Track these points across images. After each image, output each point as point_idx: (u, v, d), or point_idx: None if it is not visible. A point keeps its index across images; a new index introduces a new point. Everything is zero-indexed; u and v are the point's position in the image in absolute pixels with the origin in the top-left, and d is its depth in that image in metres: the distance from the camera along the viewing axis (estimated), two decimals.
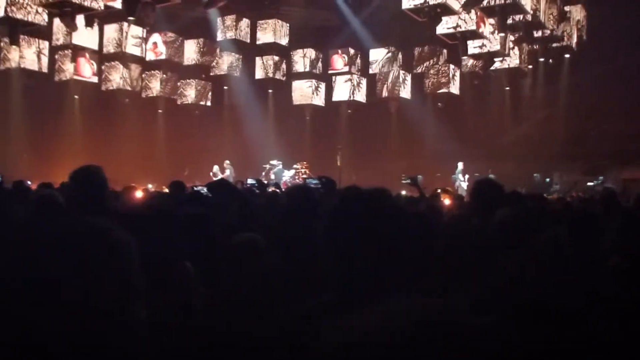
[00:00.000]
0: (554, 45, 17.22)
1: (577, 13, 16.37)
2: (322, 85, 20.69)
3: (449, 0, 12.66)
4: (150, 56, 18.07)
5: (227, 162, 19.78)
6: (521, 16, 14.46)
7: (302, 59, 20.16)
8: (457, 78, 19.06)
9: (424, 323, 1.30)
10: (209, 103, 21.28)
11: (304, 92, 20.42)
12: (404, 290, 1.77)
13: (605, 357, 2.09)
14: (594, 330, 2.20)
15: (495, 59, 16.54)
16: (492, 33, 14.88)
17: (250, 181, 9.35)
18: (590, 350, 2.13)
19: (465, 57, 17.79)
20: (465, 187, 17.71)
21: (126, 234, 1.44)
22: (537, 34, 16.02)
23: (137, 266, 1.42)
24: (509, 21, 14.48)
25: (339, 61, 20.00)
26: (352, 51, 19.93)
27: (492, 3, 13.21)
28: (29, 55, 16.48)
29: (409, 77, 19.70)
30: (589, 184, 20.48)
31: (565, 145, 20.59)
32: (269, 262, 3.14)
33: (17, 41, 14.17)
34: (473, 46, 15.39)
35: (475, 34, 14.18)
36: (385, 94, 19.91)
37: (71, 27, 13.76)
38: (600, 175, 21.21)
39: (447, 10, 13.05)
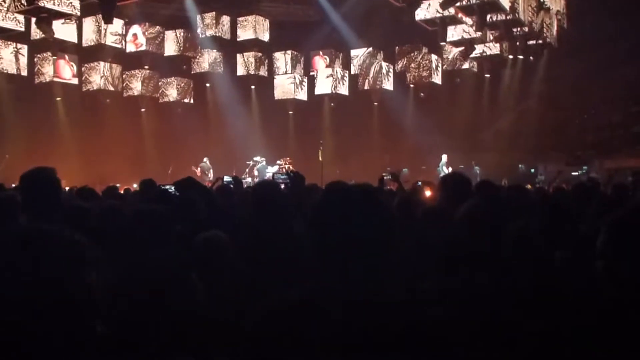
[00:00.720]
0: (534, 42, 17.22)
1: (556, 4, 16.36)
2: (305, 79, 20.60)
3: None
4: (130, 48, 17.91)
5: (206, 159, 19.78)
6: (500, 14, 14.39)
7: (284, 59, 20.11)
8: (440, 68, 19.05)
9: None
10: (191, 101, 21.15)
11: (285, 88, 20.37)
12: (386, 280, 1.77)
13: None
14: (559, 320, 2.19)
15: (476, 46, 16.49)
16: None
17: (227, 178, 9.30)
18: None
19: (446, 48, 17.77)
20: None
21: (81, 237, 1.39)
22: (517, 31, 15.98)
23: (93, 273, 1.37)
24: (488, 19, 14.43)
25: (320, 62, 19.92)
26: (333, 52, 19.84)
27: (471, 2, 13.13)
28: (6, 57, 16.31)
29: (391, 69, 19.66)
30: (574, 174, 20.61)
31: (549, 136, 20.69)
32: (233, 259, 3.13)
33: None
34: (452, 33, 15.30)
35: (455, 20, 14.05)
36: (367, 86, 19.85)
37: (48, 32, 13.65)
38: (584, 165, 21.37)
39: None
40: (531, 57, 18.68)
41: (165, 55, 18.69)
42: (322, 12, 19.43)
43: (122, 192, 9.33)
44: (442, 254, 2.62)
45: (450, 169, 18.47)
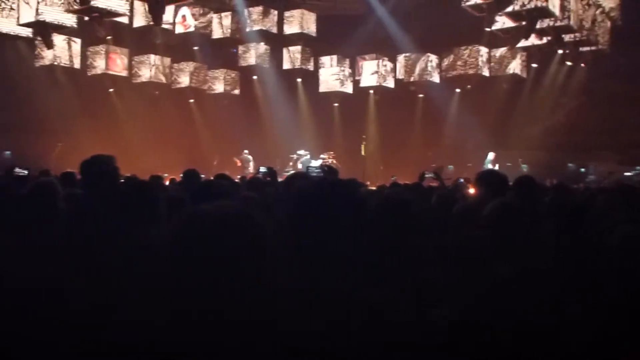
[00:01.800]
0: (585, 49, 16.77)
1: (609, 1, 15.78)
2: (349, 73, 20.48)
3: None
4: (179, 29, 18.17)
5: (246, 151, 20.03)
6: (550, 20, 13.96)
7: (329, 60, 20.11)
8: (486, 62, 18.60)
9: None
10: (237, 92, 21.38)
11: (330, 84, 20.31)
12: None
13: None
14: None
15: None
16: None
17: (262, 169, 9.37)
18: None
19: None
20: None
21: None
22: (568, 37, 15.55)
23: None
24: (538, 26, 14.01)
25: (366, 63, 19.69)
26: (377, 56, 19.59)
27: (519, 8, 12.75)
28: (61, 50, 16.80)
29: (436, 62, 19.29)
30: (626, 174, 20.02)
31: (601, 134, 20.10)
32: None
33: (50, 44, 14.66)
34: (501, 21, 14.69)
35: (504, 4, 13.41)
36: (413, 79, 19.56)
37: (99, 31, 14.09)
38: (637, 166, 20.72)
39: None
40: (582, 64, 18.14)
41: (213, 38, 18.79)
42: (368, 6, 19.35)
43: (167, 182, 9.51)
44: (462, 253, 2.60)
45: (497, 166, 18.17)
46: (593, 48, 16.80)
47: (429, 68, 18.90)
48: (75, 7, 12.09)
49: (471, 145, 20.31)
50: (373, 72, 19.22)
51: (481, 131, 19.51)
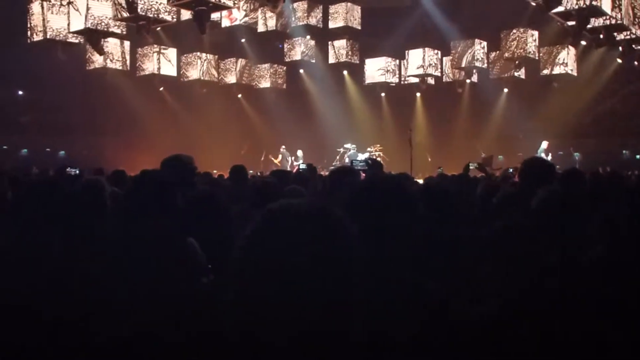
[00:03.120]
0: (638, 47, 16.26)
1: None
2: (396, 66, 20.31)
3: None
4: (225, 23, 18.32)
5: (283, 147, 20.23)
6: (603, 19, 13.47)
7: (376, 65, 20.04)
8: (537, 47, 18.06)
9: None
10: (284, 87, 21.48)
11: (376, 78, 20.15)
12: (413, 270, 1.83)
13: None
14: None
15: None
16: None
17: (302, 166, 9.43)
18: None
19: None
20: None
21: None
22: (620, 36, 15.08)
23: None
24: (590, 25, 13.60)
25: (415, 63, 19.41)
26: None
27: (570, 7, 12.34)
28: (112, 56, 17.19)
29: (485, 49, 18.85)
30: None
31: None
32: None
33: (101, 50, 15.09)
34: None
35: (596, 10, 12.95)
36: (463, 64, 19.18)
37: (147, 38, 14.41)
38: None
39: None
40: (636, 62, 17.55)
41: (258, 32, 18.84)
42: None
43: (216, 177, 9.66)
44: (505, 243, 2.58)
45: (550, 155, 17.81)
46: None
47: (478, 56, 18.49)
48: (124, 14, 12.35)
49: (522, 134, 19.96)
50: (419, 64, 18.96)
51: (531, 119, 19.15)
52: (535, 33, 16.99)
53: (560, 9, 12.08)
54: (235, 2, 12.13)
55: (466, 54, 18.32)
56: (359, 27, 19.17)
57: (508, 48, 17.29)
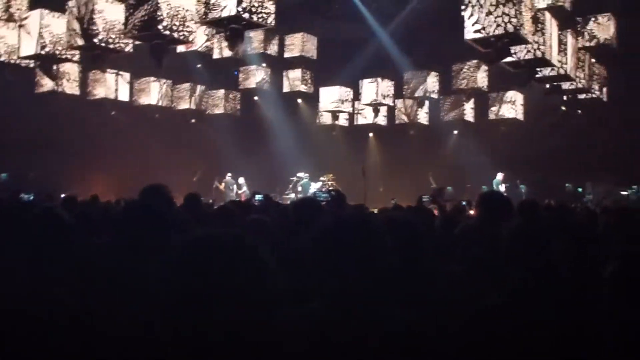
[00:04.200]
0: (584, 96, 17.23)
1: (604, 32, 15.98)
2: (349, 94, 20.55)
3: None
4: (180, 48, 18.21)
5: (229, 175, 20.15)
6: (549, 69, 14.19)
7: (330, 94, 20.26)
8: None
9: None
10: (238, 114, 21.39)
11: (329, 107, 20.34)
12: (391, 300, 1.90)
13: None
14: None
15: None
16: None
17: (258, 197, 9.43)
18: None
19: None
20: None
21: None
22: (567, 85, 15.94)
23: None
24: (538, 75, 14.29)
25: (369, 92, 19.74)
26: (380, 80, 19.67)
27: (519, 58, 12.86)
28: (62, 80, 16.84)
29: (437, 82, 19.31)
30: (623, 193, 20.13)
31: (598, 155, 20.23)
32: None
33: (53, 76, 14.82)
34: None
35: (544, 61, 13.31)
36: (413, 109, 19.71)
37: (102, 68, 14.17)
38: (634, 185, 20.84)
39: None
40: (579, 111, 18.35)
41: (214, 57, 18.80)
42: (369, 30, 19.54)
43: None
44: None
45: (504, 186, 18.28)
46: (591, 95, 17.26)
47: (431, 87, 18.94)
48: (79, 42, 12.07)
49: (470, 166, 20.38)
50: (373, 92, 19.28)
51: (479, 154, 19.59)
52: (486, 68, 17.57)
53: (509, 59, 12.51)
54: (193, 37, 11.85)
55: (420, 85, 18.75)
56: (315, 57, 19.38)
57: (460, 80, 17.83)
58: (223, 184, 20.32)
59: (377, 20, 19.31)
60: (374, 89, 19.20)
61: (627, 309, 2.10)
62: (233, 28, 10.67)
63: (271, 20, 10.82)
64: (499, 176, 18.33)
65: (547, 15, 12.85)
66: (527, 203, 4.78)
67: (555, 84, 15.60)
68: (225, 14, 10.16)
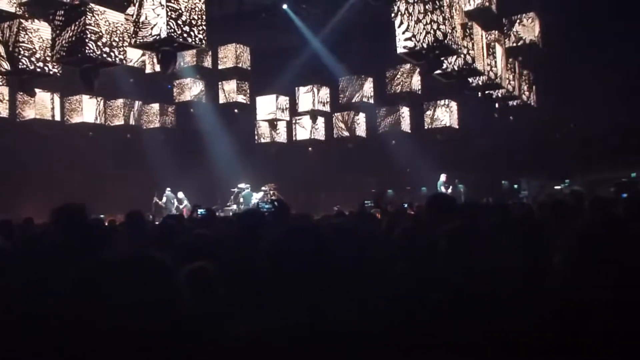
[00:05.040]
0: (514, 103, 17.87)
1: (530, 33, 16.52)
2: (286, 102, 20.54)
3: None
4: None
5: (168, 189, 19.85)
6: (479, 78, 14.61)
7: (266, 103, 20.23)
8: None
9: None
10: (174, 127, 20.97)
11: (266, 116, 20.31)
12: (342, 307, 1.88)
13: None
14: None
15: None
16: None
17: (200, 211, 9.28)
18: None
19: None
20: None
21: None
22: (496, 93, 16.52)
23: None
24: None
25: (305, 100, 19.80)
26: (316, 86, 19.72)
27: (449, 69, 13.12)
28: None
29: (371, 86, 19.51)
30: (556, 187, 20.85)
31: (530, 152, 20.88)
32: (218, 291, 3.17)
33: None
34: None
35: (474, 71, 13.63)
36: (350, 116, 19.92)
37: (30, 94, 13.72)
38: (566, 179, 21.62)
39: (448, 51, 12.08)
40: (511, 117, 18.92)
41: (147, 72, 18.44)
42: (303, 39, 19.61)
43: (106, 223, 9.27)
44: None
45: (450, 187, 18.59)
46: (521, 102, 17.87)
47: (367, 93, 19.13)
48: (4, 64, 11.58)
49: (409, 169, 20.65)
50: (309, 101, 19.36)
51: (418, 156, 19.85)
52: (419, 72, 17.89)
53: (440, 71, 12.80)
54: (124, 58, 11.50)
55: (356, 92, 18.91)
56: (249, 68, 19.31)
57: (394, 85, 18.09)
58: (164, 199, 19.94)
59: (310, 28, 19.39)
60: (311, 97, 19.28)
61: (578, 295, 2.13)
62: (165, 50, 10.39)
63: (203, 40, 10.57)
64: (442, 177, 18.65)
65: (475, 25, 13.22)
66: (469, 204, 4.84)
67: (487, 92, 16.10)
68: (155, 32, 9.87)
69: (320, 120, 20.69)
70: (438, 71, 12.60)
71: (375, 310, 2.00)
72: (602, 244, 2.13)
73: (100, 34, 10.54)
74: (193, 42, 10.33)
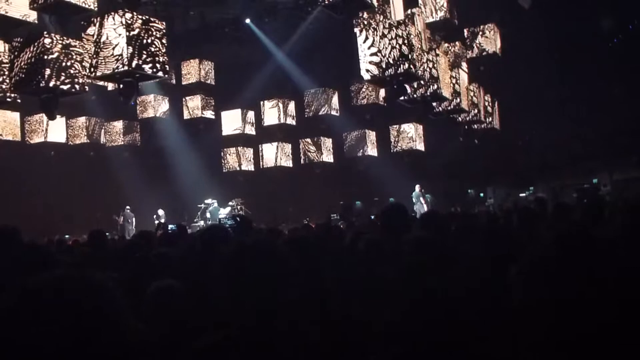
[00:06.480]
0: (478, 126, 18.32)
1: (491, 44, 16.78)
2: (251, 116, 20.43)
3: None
4: None
5: (128, 207, 19.55)
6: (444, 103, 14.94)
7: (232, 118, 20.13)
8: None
9: None
10: (138, 144, 20.60)
11: (231, 131, 20.21)
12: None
13: None
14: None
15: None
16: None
17: (171, 226, 9.21)
18: None
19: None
20: (424, 209, 17.79)
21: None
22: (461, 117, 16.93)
23: None
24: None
25: (271, 114, 19.80)
26: (281, 101, 19.73)
27: (415, 95, 13.34)
28: None
29: (336, 97, 19.59)
30: (521, 195, 21.18)
31: (495, 160, 21.15)
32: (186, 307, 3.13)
33: None
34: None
35: (438, 96, 13.92)
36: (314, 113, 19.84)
37: (51, 116, 13.33)
38: (530, 186, 22.00)
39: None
40: (476, 141, 19.23)
41: (109, 89, 18.10)
42: (267, 53, 19.59)
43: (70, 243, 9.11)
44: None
45: (426, 198, 18.62)
46: (484, 126, 18.35)
47: (332, 103, 19.15)
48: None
49: (376, 179, 20.66)
50: (275, 114, 19.34)
51: (386, 166, 19.86)
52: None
53: (404, 97, 12.89)
54: (85, 88, 11.27)
55: (322, 105, 18.92)
56: (213, 82, 19.20)
57: (360, 99, 18.19)
58: (122, 217, 19.57)
59: (273, 41, 19.38)
60: (276, 112, 19.29)
61: (536, 305, 2.14)
62: (126, 81, 10.23)
63: (165, 71, 10.43)
64: (417, 188, 18.65)
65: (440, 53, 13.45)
66: (431, 215, 4.83)
67: (451, 116, 16.44)
68: (117, 52, 9.68)
69: (288, 148, 20.72)
70: (402, 97, 12.67)
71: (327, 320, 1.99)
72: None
73: (60, 63, 10.34)
74: (154, 72, 10.14)
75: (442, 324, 2.35)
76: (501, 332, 2.27)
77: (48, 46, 10.28)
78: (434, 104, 14.63)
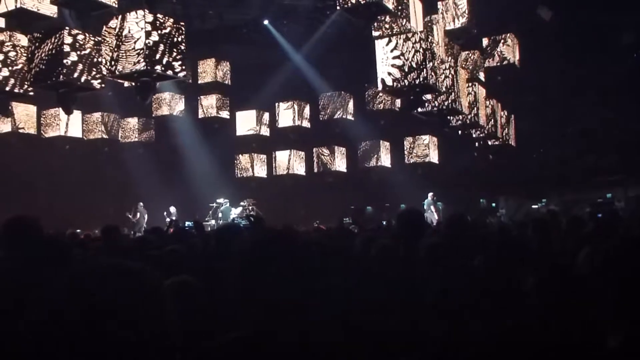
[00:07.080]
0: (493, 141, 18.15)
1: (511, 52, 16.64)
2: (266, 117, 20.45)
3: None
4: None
5: (141, 204, 19.59)
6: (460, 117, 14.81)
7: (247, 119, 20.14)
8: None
9: None
10: (153, 141, 20.69)
11: (245, 131, 20.20)
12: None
13: None
14: None
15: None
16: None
17: (188, 223, 9.22)
18: None
19: None
20: (435, 217, 17.77)
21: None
22: (476, 133, 16.78)
23: None
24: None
25: (286, 116, 19.79)
26: (296, 102, 19.64)
27: (430, 108, 13.23)
28: None
29: (352, 101, 19.52)
30: (534, 206, 21.05)
31: (508, 171, 21.05)
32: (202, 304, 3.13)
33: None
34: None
35: (454, 111, 13.76)
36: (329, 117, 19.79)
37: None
38: (543, 198, 21.86)
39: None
40: (490, 156, 19.12)
41: (125, 86, 18.15)
42: (285, 55, 19.62)
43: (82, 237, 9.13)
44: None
45: (437, 205, 18.55)
46: (499, 142, 18.14)
47: (347, 107, 19.11)
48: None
49: (388, 185, 20.61)
50: (290, 116, 19.31)
51: (394, 173, 19.80)
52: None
53: (422, 109, 12.87)
54: (103, 84, 11.25)
55: (337, 109, 18.88)
56: (229, 83, 19.23)
57: (376, 103, 18.15)
58: (138, 214, 19.69)
59: (291, 44, 19.42)
60: (291, 114, 19.25)
61: (551, 318, 2.14)
62: (143, 81, 10.19)
63: (182, 72, 10.38)
64: (430, 195, 18.57)
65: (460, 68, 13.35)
66: (455, 218, 4.77)
67: (466, 131, 16.32)
68: (139, 46, 9.66)
69: (301, 157, 20.70)
70: (418, 109, 12.64)
71: (341, 317, 1.97)
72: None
73: (80, 58, 10.35)
74: (171, 73, 10.14)
75: (454, 332, 2.35)
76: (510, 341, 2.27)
77: (67, 40, 10.33)
78: (450, 117, 14.55)
